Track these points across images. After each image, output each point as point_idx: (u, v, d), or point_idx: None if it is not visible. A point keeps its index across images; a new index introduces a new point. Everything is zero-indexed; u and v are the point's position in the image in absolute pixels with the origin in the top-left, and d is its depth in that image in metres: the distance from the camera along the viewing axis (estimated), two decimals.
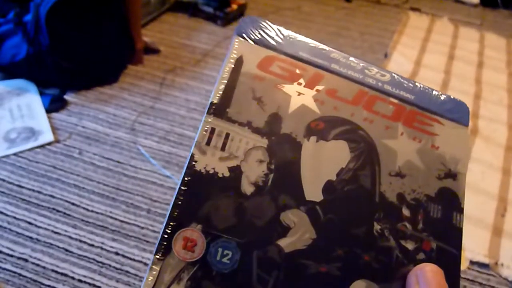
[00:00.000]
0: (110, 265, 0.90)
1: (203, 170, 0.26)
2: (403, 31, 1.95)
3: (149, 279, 0.23)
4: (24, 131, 1.19)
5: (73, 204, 1.01)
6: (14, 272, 0.87)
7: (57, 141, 1.17)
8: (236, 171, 0.26)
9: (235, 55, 0.30)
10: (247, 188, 0.26)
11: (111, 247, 0.94)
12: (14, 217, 0.97)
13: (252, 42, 0.30)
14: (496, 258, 1.02)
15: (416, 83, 0.32)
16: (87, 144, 1.18)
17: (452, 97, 0.32)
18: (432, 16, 2.11)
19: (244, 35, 0.31)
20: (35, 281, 0.86)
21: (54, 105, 1.28)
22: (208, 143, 0.27)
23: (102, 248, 0.93)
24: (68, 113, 1.27)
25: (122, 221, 0.99)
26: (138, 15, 1.50)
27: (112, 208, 1.02)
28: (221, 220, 0.25)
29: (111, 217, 0.99)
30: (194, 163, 0.26)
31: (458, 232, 0.28)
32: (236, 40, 0.30)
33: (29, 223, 0.96)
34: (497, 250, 1.04)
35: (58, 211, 0.99)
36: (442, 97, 0.32)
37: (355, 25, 1.97)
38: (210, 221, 0.25)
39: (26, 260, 0.89)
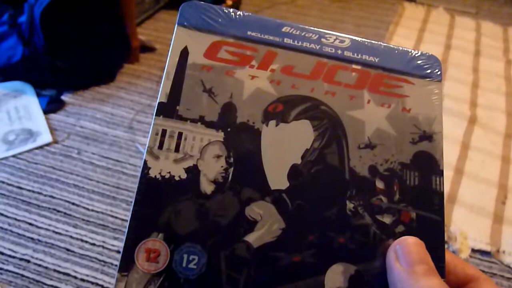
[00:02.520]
0: (112, 264, 0.90)
1: (158, 176, 0.25)
2: (399, 22, 1.94)
3: None
4: (22, 133, 1.19)
5: (73, 204, 1.01)
6: (17, 273, 0.87)
7: (55, 141, 1.17)
8: (193, 171, 0.25)
9: (178, 47, 0.27)
10: (207, 187, 0.25)
11: (113, 245, 0.93)
12: (15, 219, 0.97)
13: (195, 30, 0.28)
14: (498, 246, 1.02)
15: (380, 43, 0.30)
16: (85, 144, 1.17)
17: (420, 52, 0.30)
18: (428, 6, 2.11)
19: (185, 23, 0.28)
20: (37, 281, 0.86)
21: (52, 106, 1.27)
22: (160, 147, 0.25)
23: (103, 247, 0.93)
24: (66, 114, 1.27)
25: (123, 220, 0.99)
26: (133, 14, 1.49)
27: (112, 207, 1.01)
28: (183, 225, 0.24)
29: (112, 216, 0.99)
30: (147, 170, 0.25)
31: (439, 196, 0.26)
32: (178, 30, 0.28)
33: (30, 224, 0.96)
34: (499, 238, 1.04)
35: (58, 211, 0.99)
36: (410, 54, 0.29)
37: (350, 17, 1.97)
38: (171, 228, 0.24)
39: (28, 261, 0.89)
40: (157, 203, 0.24)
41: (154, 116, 0.26)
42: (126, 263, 0.23)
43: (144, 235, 0.24)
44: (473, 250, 1.01)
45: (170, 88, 0.26)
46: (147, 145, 0.25)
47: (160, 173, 0.25)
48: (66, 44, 1.31)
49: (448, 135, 1.30)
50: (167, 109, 0.26)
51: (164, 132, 0.26)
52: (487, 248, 1.01)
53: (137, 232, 0.24)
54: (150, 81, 1.43)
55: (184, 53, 0.27)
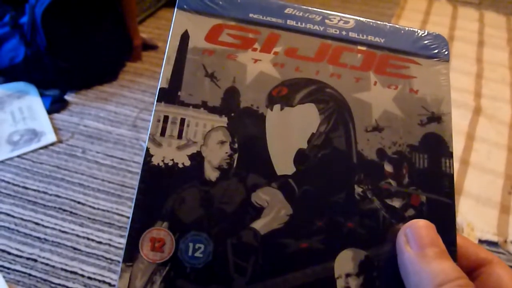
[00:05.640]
0: (118, 261, 0.90)
1: (161, 164, 0.24)
2: (401, 15, 1.93)
3: None
4: (27, 133, 1.19)
5: (79, 202, 1.02)
6: (24, 273, 0.87)
7: (59, 141, 1.17)
8: (197, 158, 0.24)
9: (179, 31, 0.27)
10: (211, 174, 0.24)
11: (119, 243, 0.94)
12: (21, 219, 0.97)
13: (195, 13, 0.27)
14: (505, 236, 1.01)
15: (386, 24, 0.29)
16: (89, 143, 1.17)
17: (426, 31, 0.29)
18: None
19: (185, 6, 0.27)
20: (45, 280, 0.86)
21: (55, 106, 1.27)
22: (162, 134, 0.25)
23: (110, 245, 0.93)
24: (69, 113, 1.27)
25: (128, 217, 0.99)
26: (134, 12, 1.49)
27: (118, 205, 1.02)
28: (188, 213, 0.23)
29: (118, 214, 0.99)
30: (150, 158, 0.24)
31: (449, 179, 0.26)
32: (177, 14, 0.27)
33: (36, 223, 0.96)
34: (506, 228, 1.03)
35: (64, 210, 1.00)
36: (416, 34, 0.29)
37: (352, 11, 1.96)
38: (176, 216, 0.23)
39: (35, 260, 0.89)
40: (160, 191, 0.24)
41: (155, 102, 0.25)
42: (131, 253, 0.22)
43: (148, 224, 0.23)
44: (480, 241, 1.00)
45: (171, 73, 0.26)
46: (148, 132, 0.25)
47: (163, 161, 0.24)
48: (68, 44, 1.31)
49: (453, 126, 1.28)
50: (168, 95, 0.25)
51: (166, 118, 0.25)
52: (494, 238, 1.00)
53: (141, 221, 0.23)
54: (153, 79, 1.43)
55: (185, 37, 0.27)
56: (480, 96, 1.45)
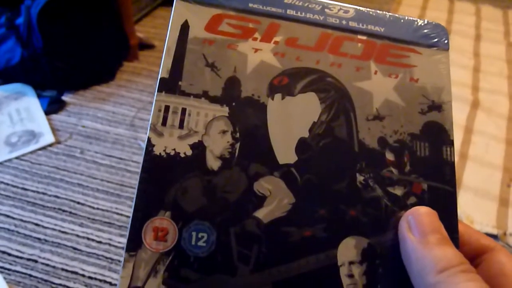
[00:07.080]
0: (119, 261, 0.90)
1: (163, 153, 0.24)
2: (397, 10, 1.93)
3: (124, 278, 0.22)
4: (25, 134, 1.19)
5: (78, 203, 1.01)
6: (25, 274, 0.87)
7: (58, 142, 1.17)
8: (199, 148, 0.24)
9: (178, 21, 0.27)
10: (213, 163, 0.24)
11: (119, 242, 0.94)
12: (21, 220, 0.97)
13: (195, 3, 0.27)
14: (504, 229, 1.01)
15: (385, 13, 0.29)
16: (88, 143, 1.17)
17: (426, 21, 0.29)
18: None
19: None
20: (46, 281, 0.86)
21: (53, 107, 1.27)
22: (164, 123, 0.25)
23: (110, 245, 0.93)
24: (67, 114, 1.27)
25: (128, 217, 0.99)
26: (130, 11, 1.49)
27: (117, 204, 1.01)
28: (190, 203, 0.23)
29: (117, 213, 0.99)
30: (152, 147, 0.24)
31: (450, 167, 0.26)
32: (177, 4, 0.27)
33: (36, 224, 0.96)
34: (505, 221, 1.03)
35: (64, 211, 0.99)
36: (416, 24, 0.29)
37: None
38: (178, 205, 0.23)
39: (36, 261, 0.89)
40: (163, 180, 0.24)
41: (156, 92, 0.25)
42: (134, 243, 0.23)
43: (151, 214, 0.23)
44: None
45: (172, 63, 0.26)
46: (150, 122, 0.25)
47: (164, 150, 0.24)
48: (65, 44, 1.31)
49: None
50: (169, 85, 0.25)
51: (167, 108, 0.25)
52: (494, 231, 1.01)
53: (143, 211, 0.23)
54: (151, 78, 1.42)
55: (185, 27, 0.27)
56: (478, 90, 1.45)
